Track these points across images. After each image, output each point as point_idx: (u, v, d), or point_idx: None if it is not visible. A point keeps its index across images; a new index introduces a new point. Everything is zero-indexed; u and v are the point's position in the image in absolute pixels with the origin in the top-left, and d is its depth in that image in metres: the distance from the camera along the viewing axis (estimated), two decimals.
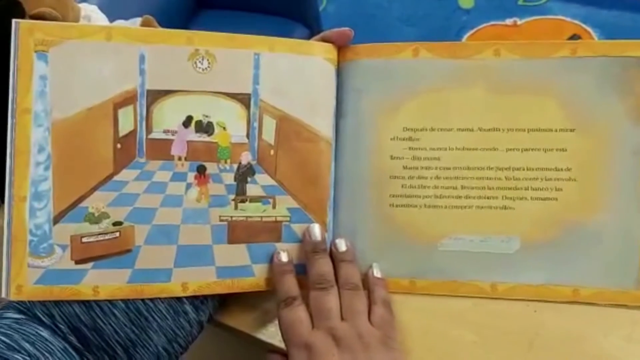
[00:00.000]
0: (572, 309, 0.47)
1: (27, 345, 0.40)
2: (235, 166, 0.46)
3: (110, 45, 0.43)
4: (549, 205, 0.47)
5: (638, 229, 0.47)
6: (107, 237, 0.44)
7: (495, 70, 0.48)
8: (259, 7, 1.32)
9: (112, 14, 0.70)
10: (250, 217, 0.47)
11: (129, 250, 0.44)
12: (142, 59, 0.44)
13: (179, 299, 0.45)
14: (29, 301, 0.43)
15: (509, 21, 1.61)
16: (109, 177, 0.44)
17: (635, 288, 0.47)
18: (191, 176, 0.46)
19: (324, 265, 0.45)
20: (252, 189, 0.47)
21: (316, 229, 0.47)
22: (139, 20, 0.58)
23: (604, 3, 1.55)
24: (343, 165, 0.49)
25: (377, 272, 0.48)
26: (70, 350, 0.42)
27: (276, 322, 0.45)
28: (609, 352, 0.45)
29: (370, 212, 0.49)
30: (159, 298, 0.44)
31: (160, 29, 0.47)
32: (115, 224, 0.44)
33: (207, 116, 0.46)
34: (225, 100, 0.46)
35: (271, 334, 0.47)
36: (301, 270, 0.46)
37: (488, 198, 0.48)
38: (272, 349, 0.47)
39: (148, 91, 0.44)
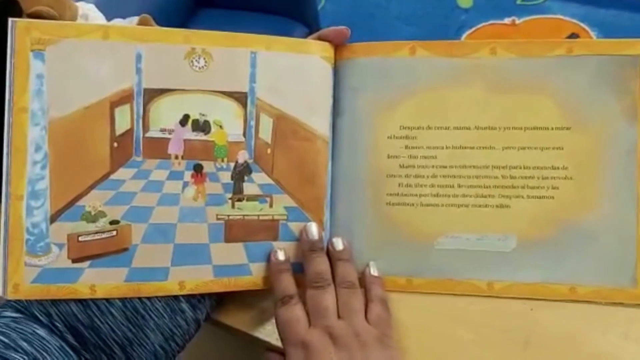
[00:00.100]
0: (568, 307, 0.47)
1: (24, 344, 0.40)
2: (232, 165, 0.47)
3: (107, 44, 0.43)
4: (545, 204, 0.47)
5: (634, 227, 0.47)
6: (104, 235, 0.44)
7: (491, 69, 0.48)
8: (257, 6, 1.32)
9: (110, 13, 0.70)
10: (247, 215, 0.47)
11: (125, 249, 0.44)
12: (138, 57, 0.44)
13: (176, 297, 0.45)
14: (26, 300, 0.43)
15: (507, 20, 1.61)
16: (106, 176, 0.44)
17: (632, 286, 0.47)
18: (188, 175, 0.46)
19: (321, 264, 0.46)
20: (249, 188, 0.47)
21: (313, 228, 0.47)
22: (136, 19, 0.58)
23: (602, 2, 1.55)
24: (340, 163, 0.49)
25: (374, 271, 0.48)
26: (68, 348, 0.42)
27: (273, 320, 0.46)
28: (605, 350, 0.45)
29: (367, 210, 0.49)
30: (156, 297, 0.44)
31: (157, 28, 0.47)
32: (112, 222, 0.44)
33: (203, 115, 0.46)
34: (222, 99, 0.46)
35: (268, 333, 0.47)
36: (298, 268, 0.47)
37: (485, 196, 0.48)
38: (269, 347, 0.47)
39: (145, 90, 0.44)
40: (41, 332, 0.41)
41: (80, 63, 0.43)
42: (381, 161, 0.49)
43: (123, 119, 0.44)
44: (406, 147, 0.48)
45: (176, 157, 0.46)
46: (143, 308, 0.44)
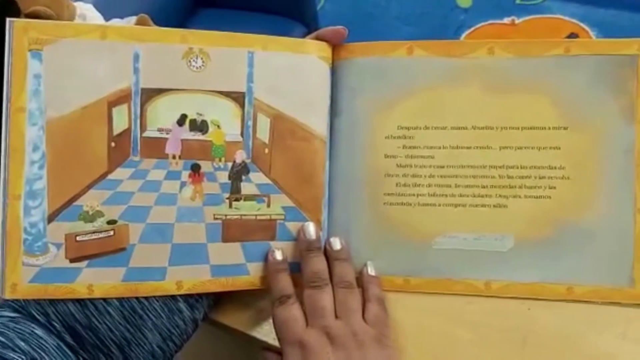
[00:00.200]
0: (566, 307, 0.47)
1: (21, 344, 0.40)
2: (229, 164, 0.47)
3: (104, 44, 0.44)
4: (542, 204, 0.47)
5: (631, 227, 0.47)
6: (101, 235, 0.44)
7: (489, 69, 0.48)
8: (257, 5, 1.32)
9: (109, 13, 0.70)
10: (244, 215, 0.47)
11: (123, 249, 0.44)
12: (136, 57, 0.44)
13: (173, 297, 0.45)
14: (23, 300, 0.43)
15: (506, 20, 1.61)
16: (104, 176, 0.44)
17: (629, 286, 0.47)
18: (185, 175, 0.46)
19: (318, 264, 0.46)
20: (246, 188, 0.47)
21: (311, 228, 0.47)
22: (134, 19, 0.58)
23: (601, 2, 1.55)
24: (338, 163, 0.49)
25: (371, 270, 0.48)
26: (65, 348, 0.42)
27: (270, 320, 0.46)
28: (602, 350, 0.45)
29: (365, 210, 0.49)
30: (154, 296, 0.44)
31: (155, 28, 0.47)
32: (109, 222, 0.44)
33: (201, 114, 0.46)
34: (219, 99, 0.46)
35: (266, 332, 0.47)
36: (296, 268, 0.47)
37: (482, 196, 0.48)
38: (267, 347, 0.47)
39: (142, 90, 0.44)
40: (39, 331, 0.41)
41: (77, 63, 0.43)
42: (379, 161, 0.49)
43: (120, 119, 0.44)
44: (404, 146, 0.49)
45: (174, 157, 0.46)
46: (141, 308, 0.44)
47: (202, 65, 0.45)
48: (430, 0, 1.66)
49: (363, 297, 0.46)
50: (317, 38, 0.48)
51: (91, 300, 0.43)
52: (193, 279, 0.45)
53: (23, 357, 0.39)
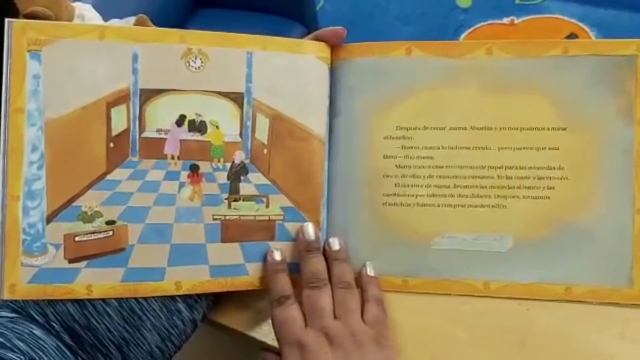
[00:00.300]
0: (564, 307, 0.47)
1: (20, 344, 0.40)
2: (228, 165, 0.47)
3: (103, 45, 0.44)
4: (541, 204, 0.47)
5: (630, 227, 0.47)
6: (100, 236, 0.44)
7: (487, 69, 0.48)
8: (256, 6, 1.32)
9: (107, 13, 0.70)
10: (243, 216, 0.47)
11: (122, 249, 0.44)
12: (135, 58, 0.44)
13: (172, 297, 0.45)
14: (22, 300, 0.43)
15: (506, 20, 1.61)
16: (102, 176, 0.44)
17: (628, 286, 0.47)
18: (184, 175, 0.46)
19: (317, 264, 0.46)
20: (245, 188, 0.47)
21: (309, 228, 0.47)
22: (133, 19, 0.58)
23: (601, 2, 1.55)
24: (336, 164, 0.49)
25: (370, 271, 0.48)
26: (64, 348, 0.42)
27: (269, 320, 0.46)
28: (601, 350, 0.45)
29: (364, 211, 0.49)
30: (153, 297, 0.44)
31: (153, 28, 0.47)
32: (108, 222, 0.44)
33: (200, 115, 0.46)
34: (218, 99, 0.46)
35: (264, 333, 0.47)
36: (294, 269, 0.47)
37: (481, 197, 0.48)
38: (265, 347, 0.47)
39: (141, 90, 0.44)
40: (38, 332, 0.41)
41: (76, 63, 0.43)
42: (377, 161, 0.49)
43: (119, 119, 0.45)
44: (402, 147, 0.49)
45: (172, 158, 0.46)
46: (139, 308, 0.44)
47: (201, 66, 0.45)
48: (430, 0, 1.66)
49: (362, 298, 0.46)
50: (316, 38, 0.48)
51: (90, 300, 0.43)
52: (192, 279, 0.45)
53: (22, 357, 0.39)
